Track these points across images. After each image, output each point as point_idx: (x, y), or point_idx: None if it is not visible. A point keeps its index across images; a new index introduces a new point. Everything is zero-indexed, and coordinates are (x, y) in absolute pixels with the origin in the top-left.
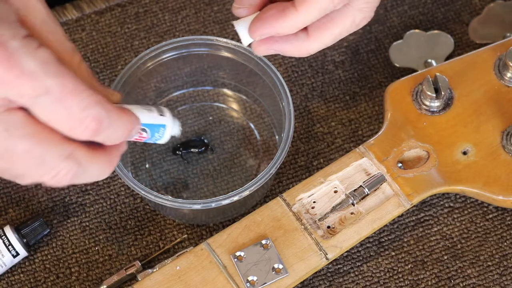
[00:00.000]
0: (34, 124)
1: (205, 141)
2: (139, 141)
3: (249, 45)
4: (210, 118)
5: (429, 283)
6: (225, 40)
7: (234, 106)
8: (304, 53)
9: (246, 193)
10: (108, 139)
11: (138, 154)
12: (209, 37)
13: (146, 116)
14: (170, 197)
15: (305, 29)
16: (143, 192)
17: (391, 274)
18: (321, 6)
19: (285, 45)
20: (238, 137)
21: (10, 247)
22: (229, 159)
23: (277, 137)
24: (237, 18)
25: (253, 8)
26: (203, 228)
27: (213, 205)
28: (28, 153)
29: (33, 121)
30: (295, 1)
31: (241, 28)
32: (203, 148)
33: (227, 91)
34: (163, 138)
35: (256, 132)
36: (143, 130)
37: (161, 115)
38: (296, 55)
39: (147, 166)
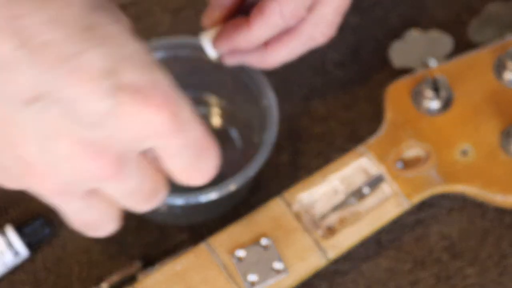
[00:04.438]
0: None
1: None
2: None
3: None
4: None
5: (429, 282)
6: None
7: (217, 110)
8: (265, 65)
9: (227, 189)
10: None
11: None
12: (191, 39)
13: None
14: None
15: (265, 42)
16: None
17: (391, 274)
18: (272, 23)
19: (248, 57)
20: (221, 141)
21: (11, 246)
22: None
23: (258, 137)
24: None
25: (219, 20)
26: (203, 228)
27: (193, 201)
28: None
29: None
30: (249, 18)
31: (206, 41)
32: None
33: (209, 96)
34: None
35: (238, 136)
36: None
37: None
38: (259, 67)
39: None
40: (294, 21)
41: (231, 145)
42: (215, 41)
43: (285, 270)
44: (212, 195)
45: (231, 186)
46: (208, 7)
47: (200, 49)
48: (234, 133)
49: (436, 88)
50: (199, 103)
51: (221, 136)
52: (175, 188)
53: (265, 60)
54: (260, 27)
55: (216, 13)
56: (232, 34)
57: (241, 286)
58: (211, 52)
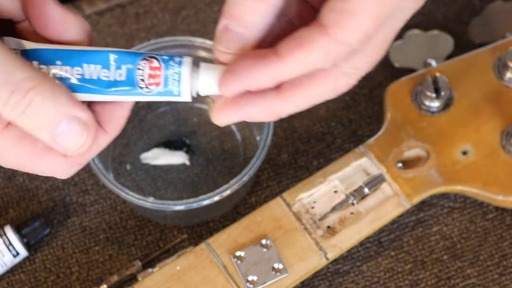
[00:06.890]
0: None
1: (187, 141)
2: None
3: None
4: (194, 120)
5: (429, 283)
6: (201, 40)
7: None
8: (274, 116)
9: (227, 192)
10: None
11: (118, 157)
12: (186, 37)
13: None
14: (152, 198)
15: (276, 87)
16: (123, 194)
17: (391, 274)
18: (310, 61)
19: (253, 108)
20: (219, 138)
21: (10, 247)
22: (211, 159)
23: (258, 137)
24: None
25: (242, 52)
26: (203, 228)
27: (195, 205)
28: None
29: None
30: (277, 48)
31: (208, 75)
32: (184, 149)
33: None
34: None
35: (237, 132)
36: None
37: None
38: (264, 120)
39: (128, 168)
40: (331, 65)
41: (231, 138)
42: (224, 80)
43: (285, 270)
44: (206, 201)
45: (226, 192)
46: (221, 31)
47: (197, 48)
48: (233, 127)
49: (436, 88)
50: (197, 98)
51: (221, 129)
52: (175, 193)
53: (274, 109)
54: (295, 62)
55: (238, 43)
56: (253, 69)
57: (241, 286)
58: (208, 90)
